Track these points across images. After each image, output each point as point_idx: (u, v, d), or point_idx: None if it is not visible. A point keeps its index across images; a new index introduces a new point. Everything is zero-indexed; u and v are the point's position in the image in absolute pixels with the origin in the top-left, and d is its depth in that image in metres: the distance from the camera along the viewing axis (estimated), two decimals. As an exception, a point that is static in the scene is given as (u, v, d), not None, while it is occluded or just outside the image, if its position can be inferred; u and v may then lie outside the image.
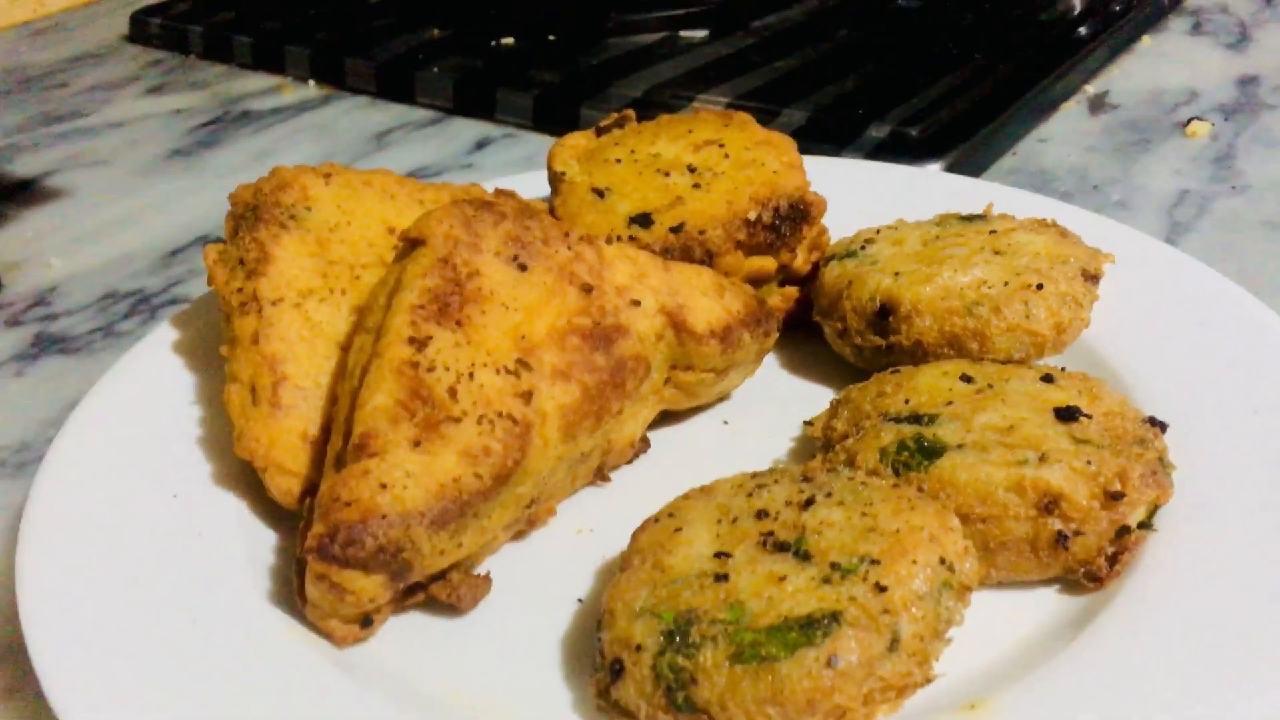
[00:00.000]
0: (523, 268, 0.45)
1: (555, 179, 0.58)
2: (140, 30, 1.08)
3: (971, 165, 0.71)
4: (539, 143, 0.82)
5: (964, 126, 0.74)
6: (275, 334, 0.46)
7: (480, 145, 0.83)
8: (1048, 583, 0.41)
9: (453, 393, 0.41)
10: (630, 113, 0.62)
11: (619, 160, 0.58)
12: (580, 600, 0.42)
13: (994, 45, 0.88)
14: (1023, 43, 0.90)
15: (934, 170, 0.68)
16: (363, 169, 0.54)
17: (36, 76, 1.01)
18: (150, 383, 0.50)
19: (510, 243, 0.45)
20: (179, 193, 0.78)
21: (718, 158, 0.57)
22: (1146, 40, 0.95)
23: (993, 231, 0.54)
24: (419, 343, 0.42)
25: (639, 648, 0.36)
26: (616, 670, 0.36)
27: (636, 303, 0.46)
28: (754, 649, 0.34)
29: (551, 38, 0.94)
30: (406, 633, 0.41)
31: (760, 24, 0.96)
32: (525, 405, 0.42)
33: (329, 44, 0.96)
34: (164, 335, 0.53)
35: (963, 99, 0.78)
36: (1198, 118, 0.80)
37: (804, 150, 0.57)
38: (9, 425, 0.55)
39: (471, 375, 0.42)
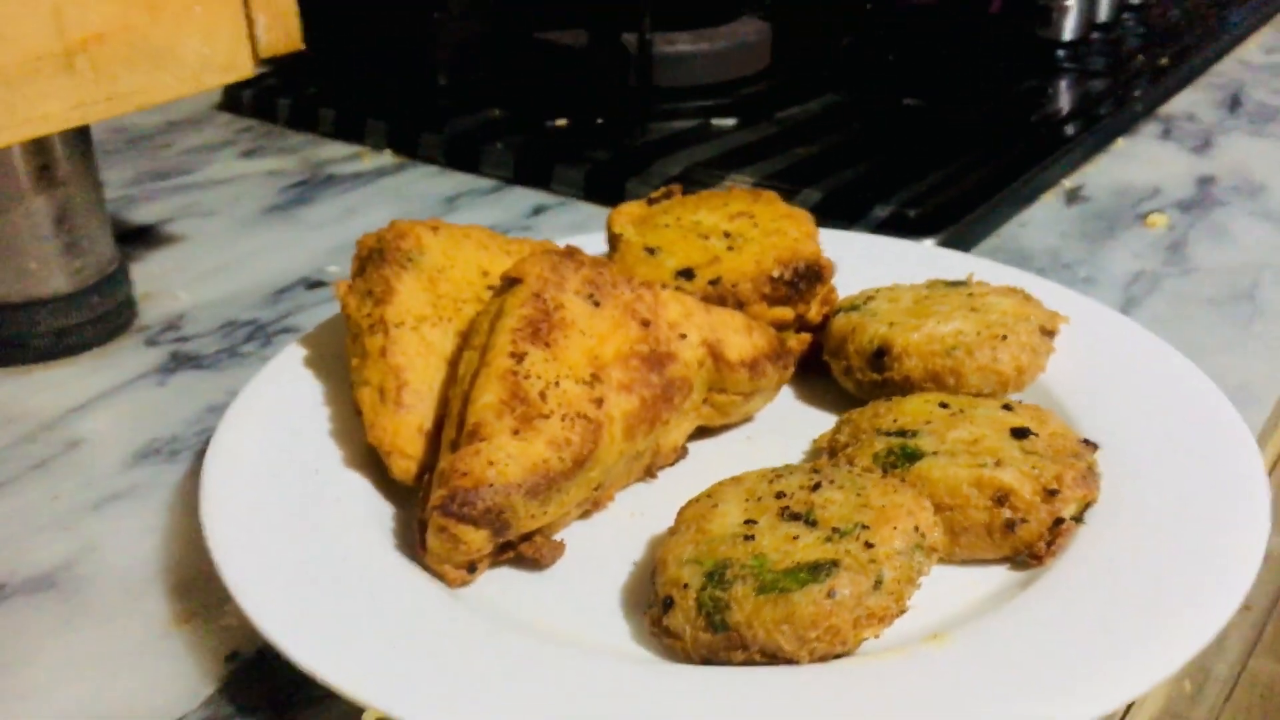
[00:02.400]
0: (596, 304, 0.57)
1: (614, 239, 0.70)
2: (232, 100, 1.22)
3: (960, 242, 0.84)
4: (588, 210, 0.95)
5: (954, 210, 0.87)
6: (398, 349, 0.58)
7: (537, 211, 0.96)
8: (999, 561, 0.52)
9: (543, 396, 0.53)
10: (677, 187, 0.75)
11: (667, 225, 0.70)
12: (634, 563, 0.54)
13: (988, 141, 1.02)
14: (1013, 139, 1.03)
15: (928, 245, 0.81)
16: (460, 224, 0.66)
17: (140, 138, 1.14)
18: (287, 388, 0.62)
19: (587, 284, 0.58)
20: (279, 242, 0.90)
21: (748, 226, 0.69)
22: (1120, 142, 1.09)
23: (970, 294, 0.66)
24: (518, 356, 0.54)
25: (686, 585, 0.47)
26: (668, 604, 0.47)
27: (684, 336, 0.58)
28: (774, 584, 0.45)
29: (600, 121, 1.08)
30: (500, 579, 0.52)
31: (783, 115, 1.10)
32: (598, 409, 0.54)
33: (404, 118, 1.09)
34: (294, 353, 0.65)
35: (955, 187, 0.91)
36: (1157, 211, 0.92)
37: (819, 223, 0.70)
38: (160, 422, 0.67)
39: (557, 384, 0.54)
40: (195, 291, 0.82)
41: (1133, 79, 1.20)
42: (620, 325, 0.57)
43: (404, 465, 0.55)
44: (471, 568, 0.52)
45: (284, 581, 0.48)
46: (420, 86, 1.16)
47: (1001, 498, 0.51)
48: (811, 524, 0.48)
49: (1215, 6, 1.47)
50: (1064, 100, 1.16)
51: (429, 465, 0.55)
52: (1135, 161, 1.05)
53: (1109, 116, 1.10)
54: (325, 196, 0.99)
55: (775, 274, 0.65)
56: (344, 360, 0.64)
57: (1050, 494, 0.51)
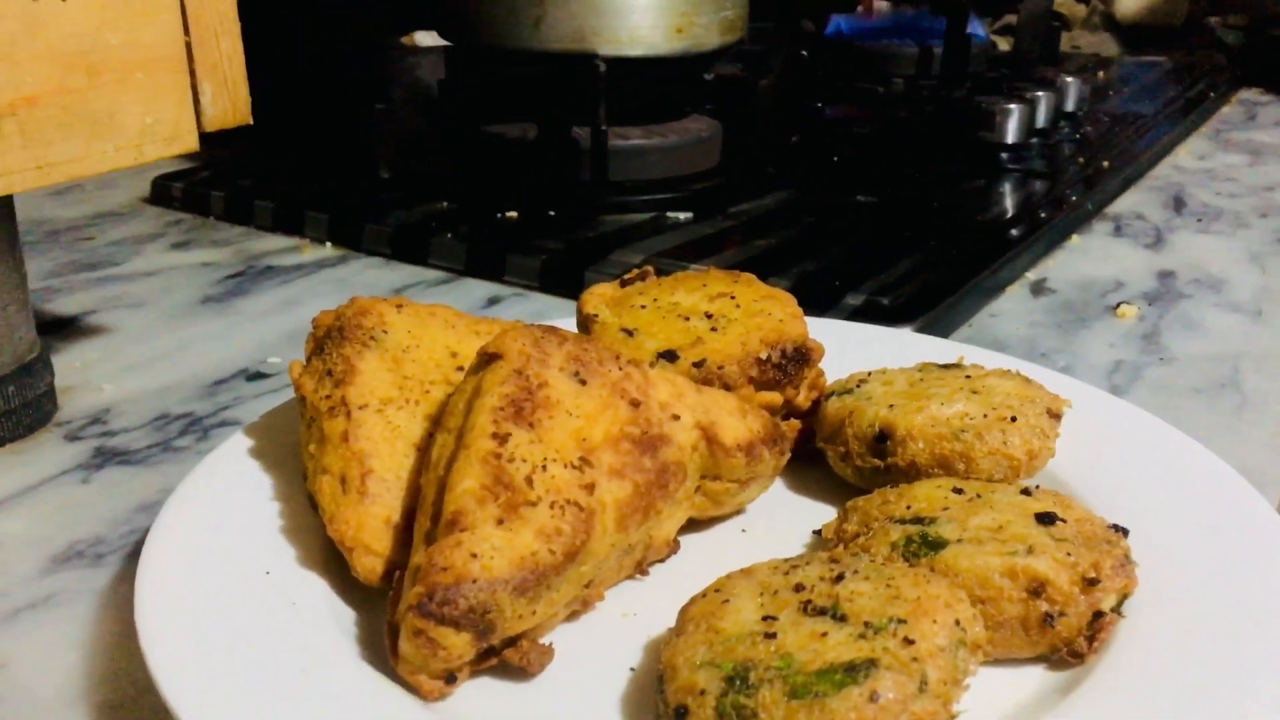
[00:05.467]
0: (582, 382, 0.52)
1: (588, 320, 0.66)
2: (162, 193, 1.16)
3: (934, 331, 0.81)
4: (545, 301, 0.91)
5: (928, 298, 0.84)
6: (362, 433, 0.52)
7: (492, 302, 0.91)
8: (1033, 661, 0.48)
9: (529, 481, 0.48)
10: (650, 269, 0.71)
11: (644, 306, 0.66)
12: (632, 669, 0.48)
13: (945, 236, 1.00)
14: (971, 234, 1.02)
15: (906, 331, 0.77)
16: (426, 303, 0.61)
17: (63, 230, 1.08)
18: (232, 481, 0.56)
19: (571, 361, 0.53)
20: (216, 333, 0.84)
21: (730, 307, 0.65)
22: (1075, 239, 1.08)
23: (968, 376, 0.62)
24: (500, 438, 0.48)
25: (703, 692, 0.41)
26: (680, 714, 0.42)
27: (676, 417, 0.54)
28: (806, 688, 0.40)
29: (552, 213, 1.04)
30: (482, 691, 0.46)
31: (737, 209, 1.08)
32: (589, 495, 0.48)
33: (347, 210, 1.05)
34: (235, 445, 0.59)
35: (922, 277, 0.89)
36: (1126, 302, 0.91)
37: (793, 310, 0.66)
38: (83, 523, 0.59)
39: (544, 468, 0.48)
40: (122, 384, 0.76)
41: (1077, 180, 1.21)
42: (609, 405, 0.52)
43: (369, 563, 0.49)
44: (450, 678, 0.45)
45: (239, 703, 0.41)
46: (362, 179, 1.12)
47: (1037, 589, 0.47)
48: (840, 619, 0.43)
49: (1143, 118, 1.51)
50: (1013, 199, 1.15)
51: (398, 563, 0.49)
52: (1092, 256, 1.04)
53: (1063, 214, 1.09)
54: (264, 288, 0.93)
55: (763, 356, 0.61)
56: (294, 451, 0.58)
57: (1089, 583, 0.47)
